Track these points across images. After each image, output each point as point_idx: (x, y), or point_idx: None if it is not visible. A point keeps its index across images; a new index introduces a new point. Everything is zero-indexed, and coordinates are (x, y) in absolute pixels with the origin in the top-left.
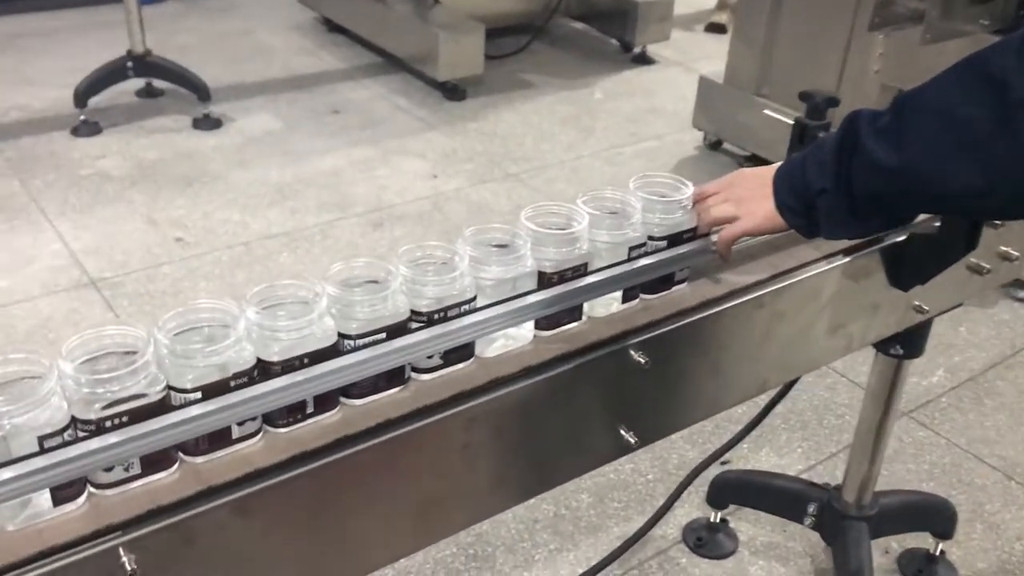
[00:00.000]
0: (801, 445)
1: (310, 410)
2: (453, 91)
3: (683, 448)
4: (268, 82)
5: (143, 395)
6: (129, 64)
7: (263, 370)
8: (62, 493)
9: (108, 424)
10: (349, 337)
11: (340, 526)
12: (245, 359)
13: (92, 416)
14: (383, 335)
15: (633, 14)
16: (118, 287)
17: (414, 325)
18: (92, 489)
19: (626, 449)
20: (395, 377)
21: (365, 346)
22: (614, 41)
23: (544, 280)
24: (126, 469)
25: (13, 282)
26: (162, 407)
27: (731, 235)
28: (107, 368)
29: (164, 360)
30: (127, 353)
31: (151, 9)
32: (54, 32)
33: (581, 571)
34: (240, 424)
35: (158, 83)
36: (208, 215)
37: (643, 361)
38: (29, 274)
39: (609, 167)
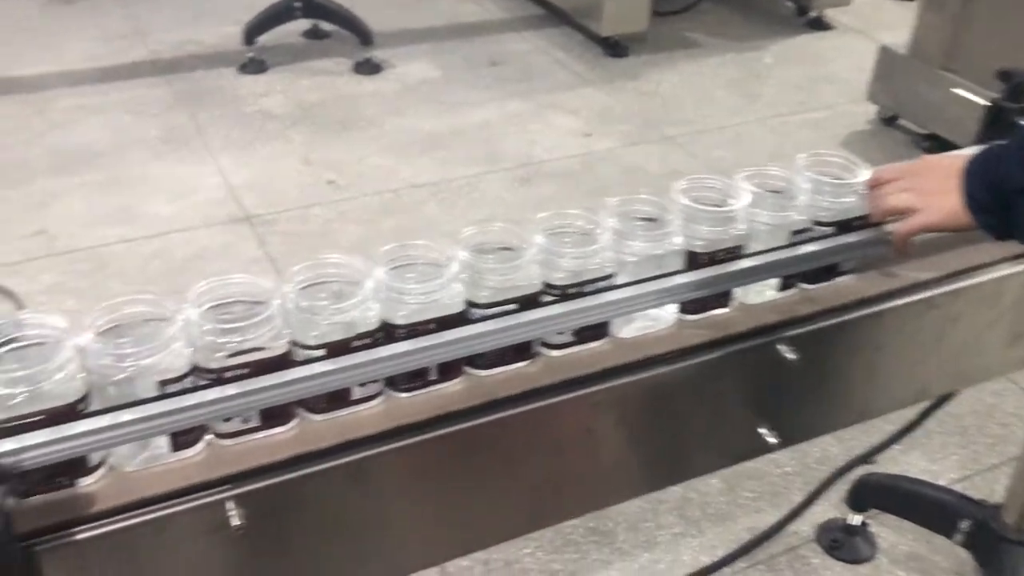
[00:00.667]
0: (957, 453)
1: (433, 376)
2: (615, 47)
3: (827, 442)
4: (430, 30)
5: (266, 348)
6: (297, 4)
7: (388, 332)
8: (181, 439)
9: (229, 375)
10: (478, 306)
11: (451, 499)
12: (370, 320)
13: (214, 365)
14: (514, 306)
15: None
16: (271, 225)
17: (547, 298)
18: (210, 437)
19: (765, 448)
20: (523, 350)
21: (494, 316)
22: (789, 3)
23: (693, 261)
24: (244, 421)
25: (175, 210)
26: (284, 362)
27: (910, 229)
28: (232, 317)
29: (290, 314)
30: (253, 303)
31: None
32: None
33: (704, 559)
34: (361, 385)
35: (324, 26)
36: (361, 160)
37: (793, 356)
38: (190, 204)
39: (773, 136)
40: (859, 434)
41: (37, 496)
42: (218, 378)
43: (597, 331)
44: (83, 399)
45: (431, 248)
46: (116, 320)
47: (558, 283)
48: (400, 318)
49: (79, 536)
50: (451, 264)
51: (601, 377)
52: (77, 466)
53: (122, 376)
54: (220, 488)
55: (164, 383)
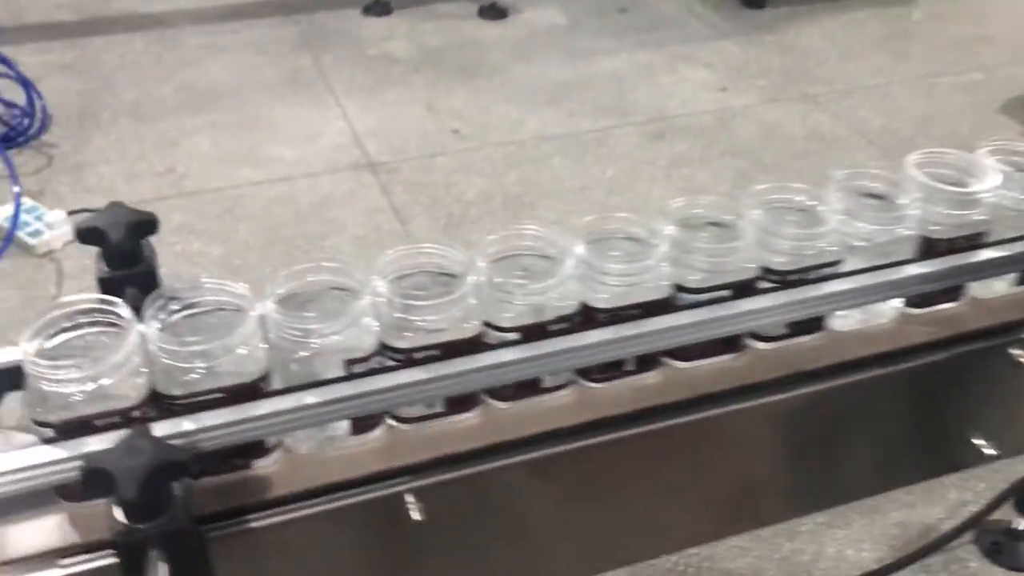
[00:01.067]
0: None
1: (629, 366)
2: (758, 4)
3: None
4: None
5: (459, 328)
6: None
7: (587, 316)
8: (361, 422)
9: (418, 356)
10: (688, 290)
11: (635, 502)
12: (568, 302)
13: (403, 345)
14: (727, 292)
15: None
16: (394, 173)
17: (764, 285)
18: (391, 421)
19: (977, 460)
20: (729, 341)
21: (704, 303)
22: None
23: (928, 247)
24: (428, 405)
25: (299, 155)
26: (475, 344)
27: None
28: (418, 287)
29: (482, 291)
30: (439, 275)
31: None
32: None
33: (850, 553)
34: (552, 373)
35: None
36: (486, 108)
37: None
38: (314, 150)
39: (923, 100)
40: None
41: (210, 477)
42: (407, 359)
43: (812, 323)
44: (264, 377)
45: (632, 222)
46: (296, 289)
47: (779, 267)
48: (601, 301)
49: (252, 524)
50: (658, 242)
51: (813, 377)
52: (254, 447)
53: (306, 353)
54: (400, 480)
55: (350, 363)
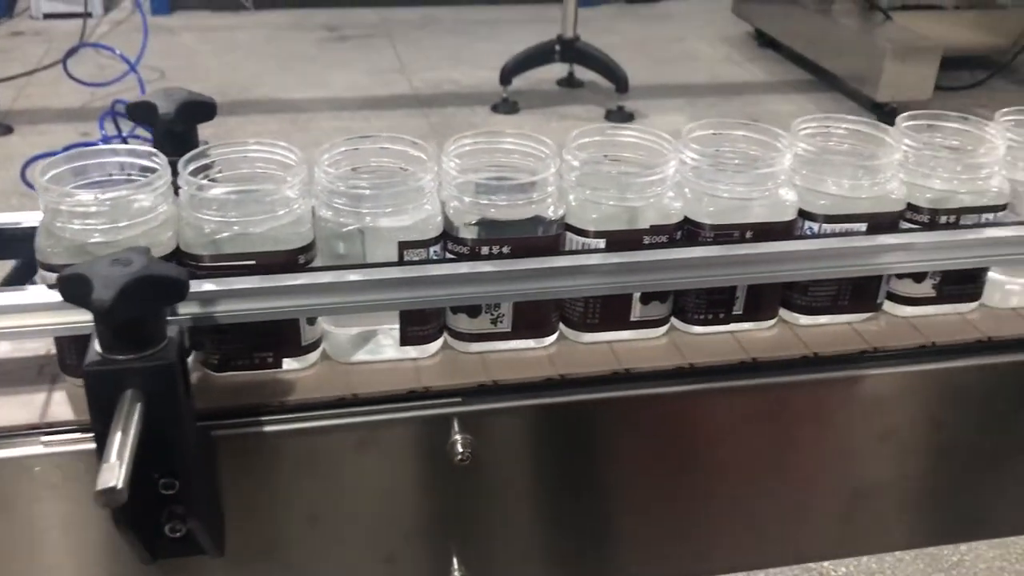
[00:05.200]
0: None
1: (738, 310)
2: (891, 115)
3: None
4: (688, 85)
5: (534, 222)
6: (557, 47)
7: (689, 233)
8: (413, 331)
9: (484, 251)
10: (813, 218)
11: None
12: (668, 211)
13: (468, 235)
14: (861, 226)
15: None
16: None
17: (907, 225)
18: (449, 339)
19: None
20: (864, 296)
21: (832, 235)
22: None
23: None
24: (494, 321)
25: None
26: (553, 246)
27: None
28: (496, 179)
29: (568, 193)
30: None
31: (588, 10)
32: (500, 22)
33: None
34: (645, 303)
35: (580, 75)
36: None
37: None
38: None
39: None
40: None
41: (235, 371)
42: (472, 251)
43: (968, 288)
44: (306, 248)
45: (764, 128)
46: (356, 163)
47: (928, 205)
48: (706, 216)
49: (268, 427)
50: (783, 156)
51: (961, 350)
52: (286, 341)
53: (354, 227)
54: (449, 400)
55: (405, 246)
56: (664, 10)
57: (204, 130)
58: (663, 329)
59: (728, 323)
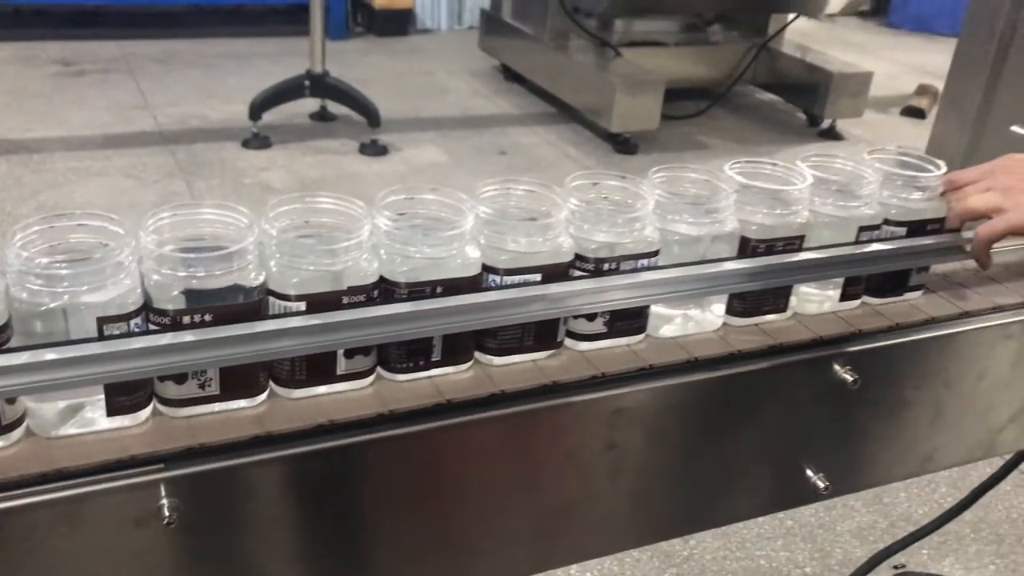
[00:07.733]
0: (995, 562)
1: (436, 357)
2: (624, 144)
3: (850, 543)
4: (439, 119)
5: (234, 290)
6: (306, 83)
7: (386, 292)
8: (119, 401)
9: (187, 320)
10: (495, 271)
11: (438, 518)
12: (365, 272)
13: (169, 306)
14: (537, 276)
15: (826, 86)
16: None
17: (577, 273)
18: (159, 405)
19: (811, 496)
20: (546, 337)
21: (513, 286)
22: (801, 114)
23: (747, 248)
24: (201, 386)
25: None
26: (255, 312)
27: (993, 231)
28: (195, 250)
29: (268, 260)
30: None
31: (338, 43)
32: (247, 56)
33: None
34: (349, 357)
35: (332, 109)
36: None
37: (851, 379)
38: None
39: None
40: (885, 536)
41: None
42: (173, 322)
43: (633, 324)
44: (1, 329)
45: (446, 203)
46: (52, 240)
47: (592, 255)
48: (401, 275)
49: None
50: (466, 220)
51: (633, 378)
52: None
53: (53, 306)
54: (154, 468)
55: (104, 321)
56: (414, 44)
57: None
58: (369, 379)
59: (428, 369)
